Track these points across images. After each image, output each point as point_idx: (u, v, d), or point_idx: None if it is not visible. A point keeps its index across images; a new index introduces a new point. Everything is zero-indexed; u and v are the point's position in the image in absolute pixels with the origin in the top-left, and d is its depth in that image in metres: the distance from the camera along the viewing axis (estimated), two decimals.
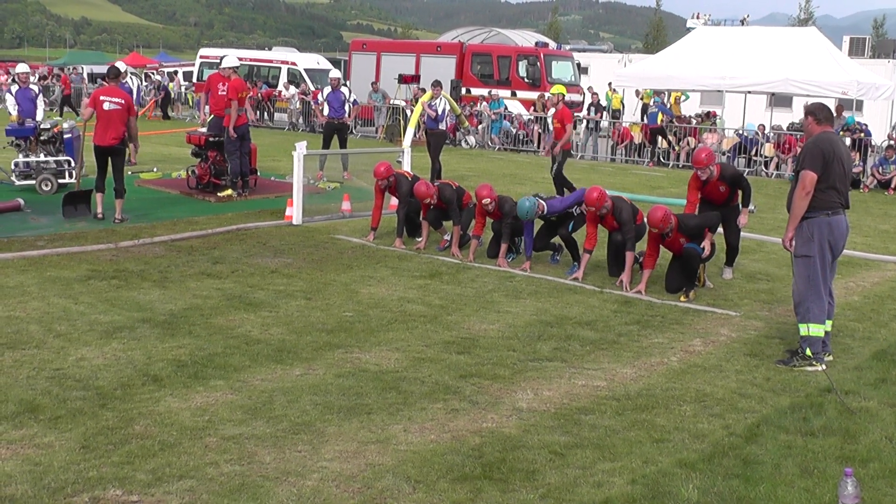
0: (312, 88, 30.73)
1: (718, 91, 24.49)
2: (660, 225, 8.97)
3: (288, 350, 6.98)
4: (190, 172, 14.98)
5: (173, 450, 5.11)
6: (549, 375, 6.66)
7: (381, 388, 6.21)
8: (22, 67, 16.92)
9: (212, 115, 15.14)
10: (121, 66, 17.39)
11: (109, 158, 12.05)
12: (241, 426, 5.48)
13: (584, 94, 31.05)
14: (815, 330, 6.99)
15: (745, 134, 22.93)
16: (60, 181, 14.49)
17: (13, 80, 17.41)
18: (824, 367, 6.89)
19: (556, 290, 9.32)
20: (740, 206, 9.83)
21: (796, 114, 27.32)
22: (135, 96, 21.57)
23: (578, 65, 33.27)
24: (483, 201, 10.41)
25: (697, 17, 48.48)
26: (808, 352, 6.98)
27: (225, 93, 15.01)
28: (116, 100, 12.07)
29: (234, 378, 6.32)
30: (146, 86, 39.46)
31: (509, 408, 5.97)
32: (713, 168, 9.49)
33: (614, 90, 30.04)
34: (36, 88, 16.42)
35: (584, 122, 26.37)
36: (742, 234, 12.52)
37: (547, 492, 4.77)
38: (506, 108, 27.32)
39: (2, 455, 4.99)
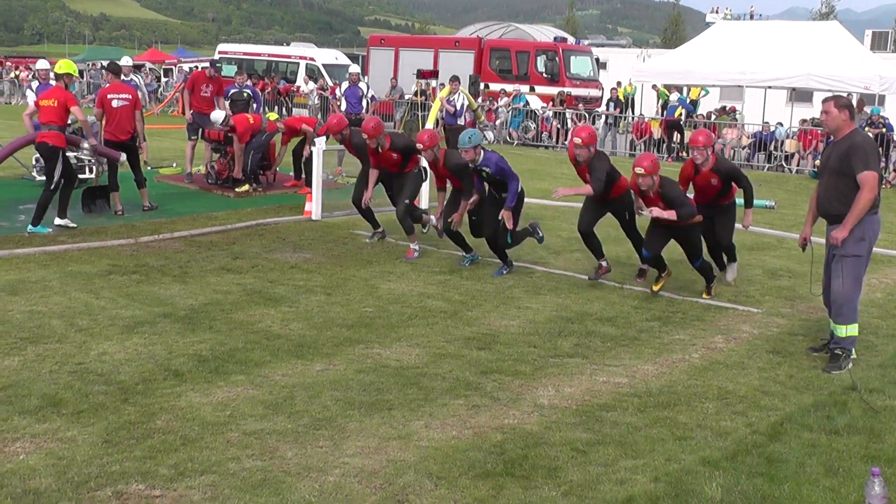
0: (330, 84, 30.76)
1: (738, 86, 24.35)
2: (646, 165, 8.36)
3: (308, 345, 6.99)
4: (209, 167, 15.04)
5: (195, 444, 5.13)
6: (570, 372, 6.64)
7: (401, 384, 6.20)
8: (42, 64, 16.94)
9: (192, 111, 15.30)
10: (126, 61, 17.44)
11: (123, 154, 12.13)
12: (262, 421, 5.49)
13: (602, 89, 30.97)
14: (855, 330, 6.92)
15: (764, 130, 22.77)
16: (81, 176, 14.52)
17: (33, 76, 17.47)
18: (849, 366, 6.85)
19: (576, 285, 9.29)
20: (745, 207, 9.29)
21: (817, 109, 27.11)
22: (145, 93, 21.69)
23: (597, 60, 33.14)
24: (417, 146, 9.92)
25: (716, 12, 48.21)
26: (854, 352, 6.93)
27: (208, 94, 15.16)
28: (124, 96, 12.20)
29: (255, 373, 6.33)
30: (166, 81, 39.68)
31: (531, 404, 5.95)
32: (709, 153, 9.00)
33: (619, 83, 29.90)
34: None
35: (603, 117, 26.28)
36: (763, 230, 12.46)
37: (569, 489, 4.75)
38: (526, 103, 27.24)
39: (26, 449, 5.02)
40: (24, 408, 5.58)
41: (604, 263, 9.40)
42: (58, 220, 11.05)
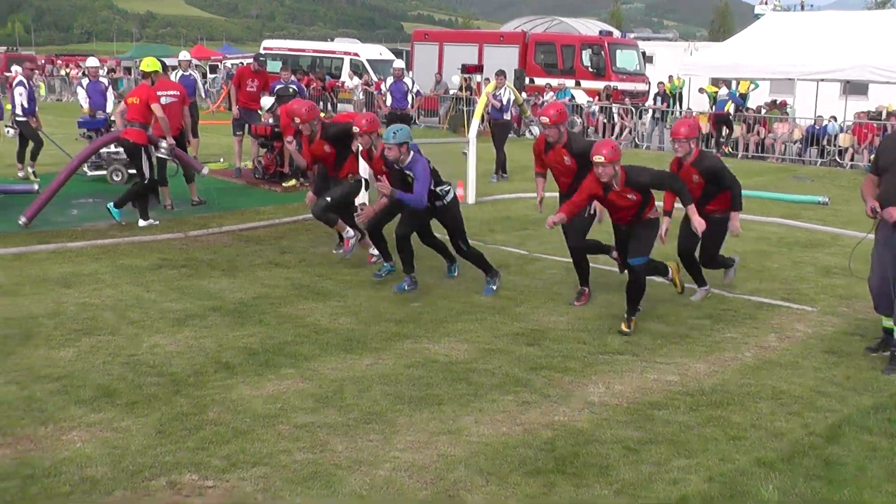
0: (375, 79, 30.84)
1: (789, 79, 23.94)
2: (605, 152, 7.30)
3: (357, 340, 7.00)
4: (256, 163, 15.15)
5: (246, 437, 5.15)
6: (620, 369, 6.57)
7: (451, 379, 6.18)
8: (91, 61, 17.22)
9: (238, 107, 15.43)
10: (184, 55, 17.61)
11: None
12: (312, 415, 5.50)
13: (648, 83, 30.69)
14: None
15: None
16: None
17: (83, 74, 17.77)
18: None
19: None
20: (731, 209, 8.21)
21: (873, 102, 26.56)
22: (201, 88, 21.89)
23: (643, 53, 32.84)
24: (353, 129, 8.69)
25: (766, 3, 47.54)
26: None
27: (254, 89, 15.26)
28: (172, 92, 12.35)
29: (305, 367, 6.35)
30: (211, 78, 40.05)
31: (581, 401, 5.90)
32: (692, 145, 8.06)
33: (670, 77, 29.62)
34: (105, 81, 16.68)
35: (650, 111, 26.04)
36: (816, 226, 12.19)
37: (621, 488, 4.69)
38: (572, 97, 27.07)
39: (82, 437, 5.10)
40: (80, 398, 5.66)
41: (586, 290, 8.51)
42: (142, 223, 11.17)
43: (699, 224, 7.63)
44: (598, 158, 7.35)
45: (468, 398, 5.86)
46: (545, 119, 8.42)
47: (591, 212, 8.47)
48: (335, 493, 4.53)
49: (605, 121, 26.09)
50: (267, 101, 14.93)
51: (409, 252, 8.37)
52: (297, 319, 7.49)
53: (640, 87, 30.30)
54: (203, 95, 29.14)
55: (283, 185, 14.37)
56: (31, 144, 15.11)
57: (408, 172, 8.15)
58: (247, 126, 15.49)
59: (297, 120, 9.27)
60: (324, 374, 6.21)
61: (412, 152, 8.16)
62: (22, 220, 10.81)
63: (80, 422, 5.31)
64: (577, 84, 28.76)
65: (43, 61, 49.40)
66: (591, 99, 27.20)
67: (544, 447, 5.15)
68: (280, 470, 4.75)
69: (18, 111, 14.74)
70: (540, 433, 5.35)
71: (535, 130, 26.71)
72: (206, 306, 7.78)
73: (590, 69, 30.00)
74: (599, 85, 28.52)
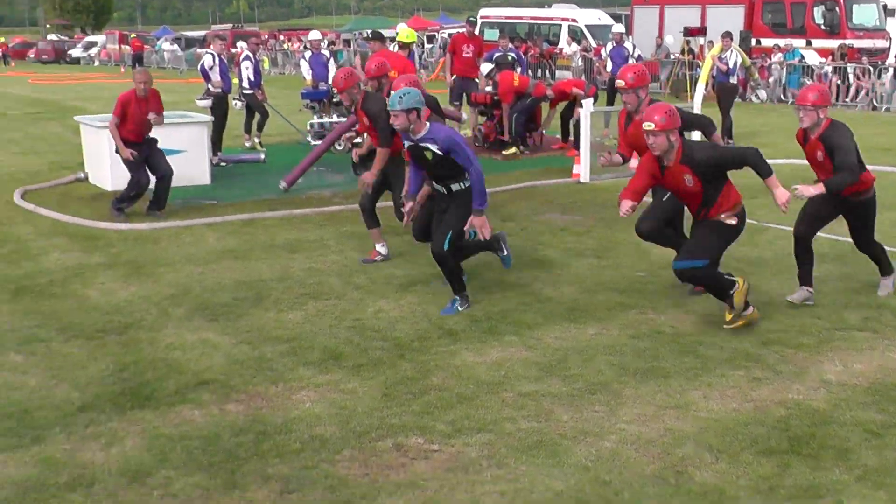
0: (594, 45, 30.36)
1: None
2: (656, 119, 6.01)
3: (580, 309, 6.92)
4: (476, 131, 15.29)
5: (471, 403, 5.21)
6: (859, 347, 6.15)
7: (677, 352, 6.00)
8: (314, 35, 17.93)
9: (454, 76, 15.49)
10: (402, 27, 18.01)
11: None
12: (536, 383, 5.49)
13: (889, 39, 28.47)
14: None
15: None
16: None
17: (305, 47, 18.50)
18: None
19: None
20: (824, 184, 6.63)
21: None
22: (417, 61, 22.36)
23: (884, 7, 30.44)
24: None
25: None
26: None
27: (470, 55, 15.23)
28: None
29: (528, 335, 6.34)
30: (428, 48, 40.80)
31: (816, 379, 5.57)
32: (821, 115, 6.63)
33: None
34: (327, 53, 17.30)
35: (890, 70, 24.14)
36: None
37: (863, 474, 4.40)
38: (801, 58, 25.56)
39: (311, 398, 5.32)
40: (308, 359, 5.91)
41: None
42: None
43: (781, 196, 6.21)
44: (647, 126, 6.05)
45: (696, 372, 5.66)
46: (620, 83, 7.16)
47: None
48: (560, 462, 4.49)
49: (840, 82, 24.44)
50: (485, 67, 14.99)
51: (450, 267, 7.00)
52: (519, 287, 7.50)
53: (880, 43, 28.10)
54: (420, 66, 29.77)
55: (504, 152, 14.43)
56: (257, 116, 15.92)
57: (426, 146, 6.72)
58: (465, 95, 15.62)
59: (335, 90, 8.52)
60: (547, 343, 6.18)
61: (428, 123, 6.75)
62: (282, 185, 11.59)
63: (308, 382, 5.54)
64: (808, 44, 27.09)
65: (266, 36, 51.88)
66: (823, 59, 25.57)
67: (777, 426, 4.91)
68: (505, 437, 4.77)
69: (245, 84, 15.53)
70: (772, 411, 5.10)
71: (762, 95, 25.46)
72: (429, 273, 7.90)
73: (822, 27, 28.17)
74: (833, 44, 26.72)
